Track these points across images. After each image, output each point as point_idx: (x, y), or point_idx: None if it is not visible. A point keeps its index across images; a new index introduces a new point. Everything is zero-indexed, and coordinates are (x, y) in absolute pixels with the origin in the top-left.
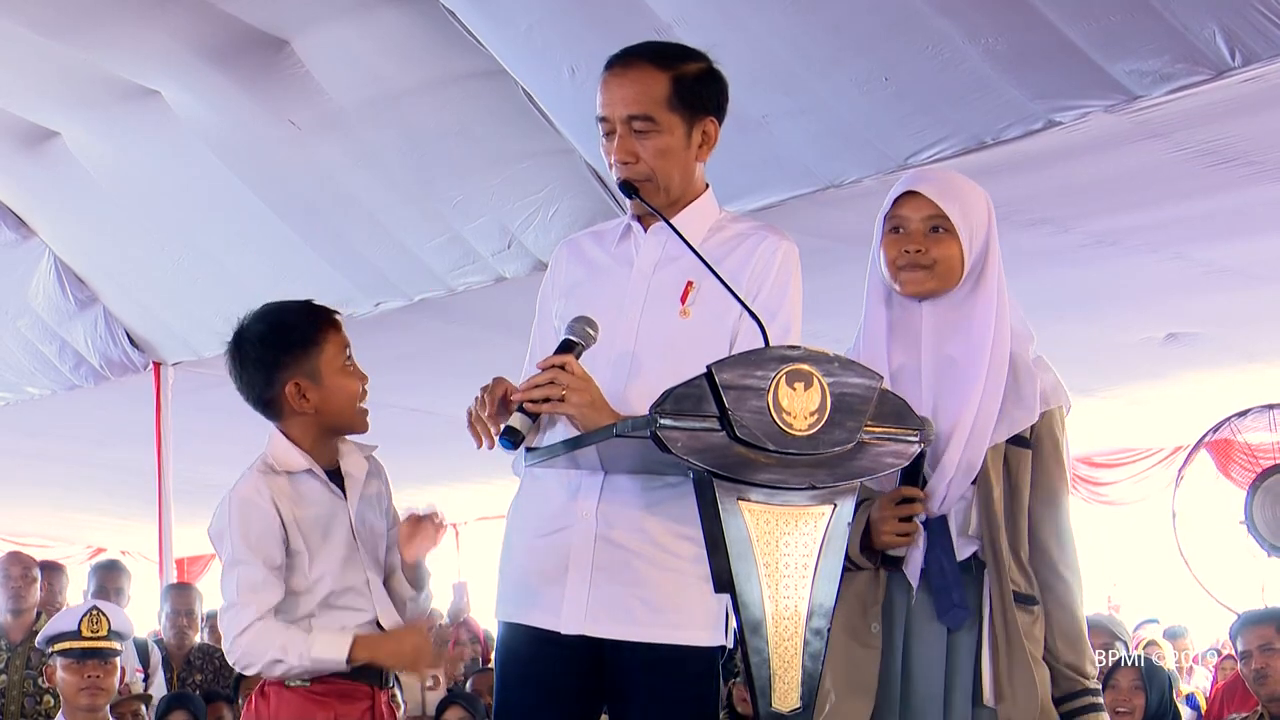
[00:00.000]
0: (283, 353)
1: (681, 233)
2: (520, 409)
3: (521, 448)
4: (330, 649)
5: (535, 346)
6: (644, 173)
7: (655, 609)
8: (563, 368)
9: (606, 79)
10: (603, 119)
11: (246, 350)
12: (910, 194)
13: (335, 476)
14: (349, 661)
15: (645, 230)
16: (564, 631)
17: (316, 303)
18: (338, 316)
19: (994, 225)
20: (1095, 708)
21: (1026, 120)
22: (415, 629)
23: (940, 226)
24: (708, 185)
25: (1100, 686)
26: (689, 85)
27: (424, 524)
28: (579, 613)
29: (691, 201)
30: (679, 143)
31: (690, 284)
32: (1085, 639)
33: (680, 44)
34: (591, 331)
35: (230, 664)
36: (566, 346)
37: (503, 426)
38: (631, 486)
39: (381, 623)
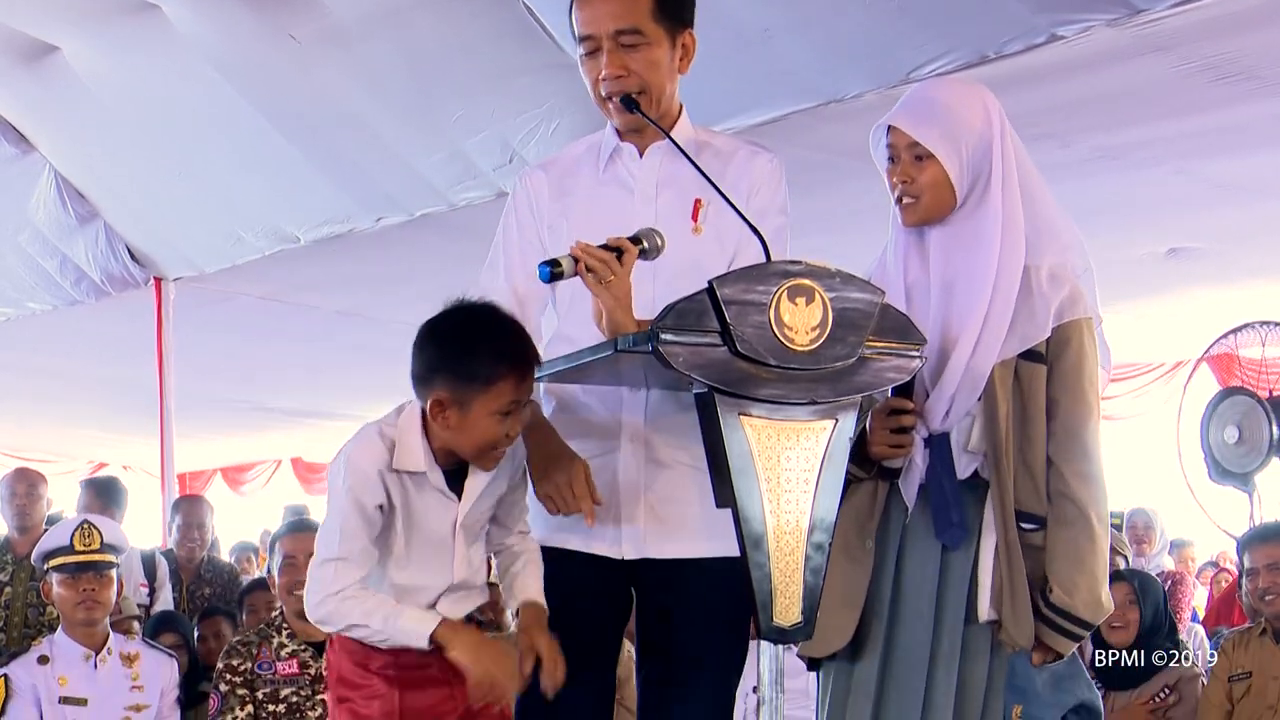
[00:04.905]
0: (447, 371)
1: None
2: (574, 258)
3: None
4: (415, 623)
5: (497, 259)
6: (637, 86)
7: (705, 524)
8: (620, 257)
9: None
10: (586, 37)
11: (428, 340)
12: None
13: (458, 474)
14: (430, 641)
15: (640, 154)
16: (626, 557)
17: (521, 339)
18: (531, 357)
19: (1000, 134)
20: (1061, 630)
21: (1029, 34)
22: (507, 653)
23: (922, 154)
24: (681, 104)
25: (1087, 625)
26: None
27: None
28: (636, 537)
29: (677, 119)
30: (665, 55)
31: (699, 202)
32: (1088, 567)
33: None
34: (660, 243)
35: (310, 618)
36: (635, 240)
37: (549, 259)
38: (673, 402)
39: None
